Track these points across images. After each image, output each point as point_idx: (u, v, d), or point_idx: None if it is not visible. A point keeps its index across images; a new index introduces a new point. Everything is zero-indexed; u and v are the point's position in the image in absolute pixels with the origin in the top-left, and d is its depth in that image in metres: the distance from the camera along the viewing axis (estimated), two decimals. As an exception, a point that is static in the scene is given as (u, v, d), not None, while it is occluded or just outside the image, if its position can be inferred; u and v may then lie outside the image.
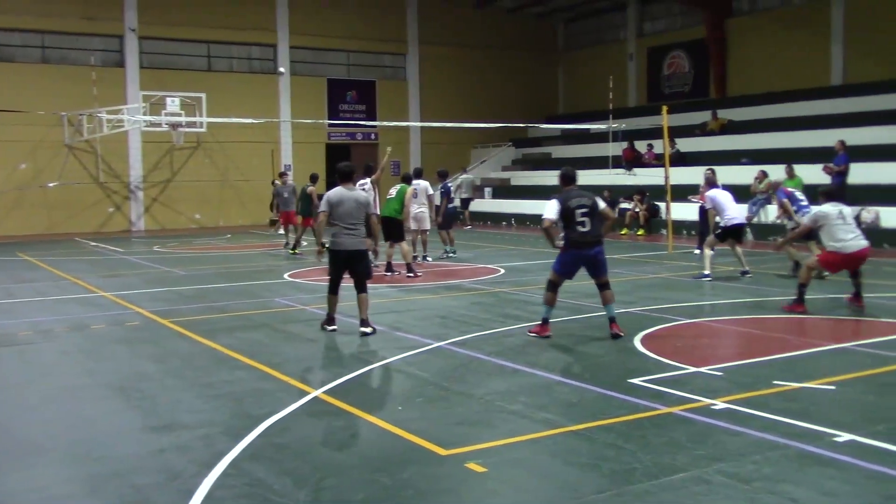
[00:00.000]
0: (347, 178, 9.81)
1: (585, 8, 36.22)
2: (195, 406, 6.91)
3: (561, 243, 9.40)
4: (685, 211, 21.61)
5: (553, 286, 9.46)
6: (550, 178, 27.90)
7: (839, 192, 11.72)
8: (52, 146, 27.98)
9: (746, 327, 10.01)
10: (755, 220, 21.75)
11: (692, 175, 23.70)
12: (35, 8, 27.86)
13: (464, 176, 30.34)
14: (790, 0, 29.70)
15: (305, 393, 7.16)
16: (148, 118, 26.30)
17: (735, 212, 14.53)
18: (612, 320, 9.38)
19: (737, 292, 12.69)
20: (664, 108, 19.78)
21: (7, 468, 5.56)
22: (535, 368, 7.91)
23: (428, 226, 17.10)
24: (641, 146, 28.34)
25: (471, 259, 17.87)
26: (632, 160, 28.03)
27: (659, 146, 24.15)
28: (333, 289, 9.84)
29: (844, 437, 5.72)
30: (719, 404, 6.55)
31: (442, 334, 9.61)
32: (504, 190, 32.62)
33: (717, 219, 14.96)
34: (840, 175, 19.67)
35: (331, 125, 32.38)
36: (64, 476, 5.38)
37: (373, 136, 34.07)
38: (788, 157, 22.00)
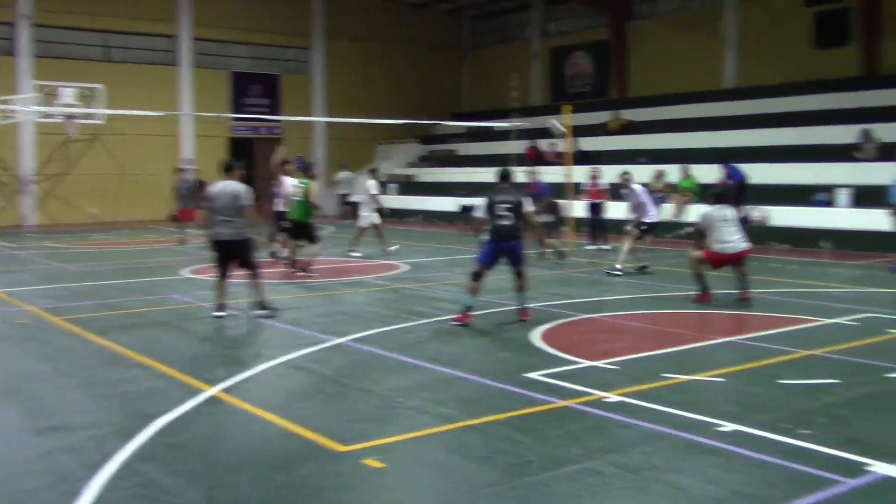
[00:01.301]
0: (228, 172, 10.46)
1: (492, 7, 36.55)
2: (86, 406, 6.71)
3: (485, 237, 10.30)
4: (583, 209, 22.04)
5: (476, 276, 10.13)
6: (456, 174, 28.09)
7: (727, 194, 12.32)
8: (-63, 136, 26.71)
9: (641, 322, 10.29)
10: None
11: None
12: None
13: (341, 174, 30.62)
14: (687, 5, 30.62)
15: (202, 391, 7.04)
16: (41, 109, 25.33)
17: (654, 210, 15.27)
18: (521, 308, 10.26)
19: (633, 288, 13.03)
20: (567, 108, 20.15)
21: None
22: (436, 364, 7.97)
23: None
24: (544, 145, 28.76)
25: (375, 255, 17.83)
26: (534, 158, 28.42)
27: (561, 145, 24.55)
28: (220, 277, 10.43)
29: (729, 426, 5.95)
30: (613, 397, 6.73)
31: (343, 331, 9.58)
32: (410, 186, 32.66)
33: (635, 215, 15.30)
34: (730, 178, 20.31)
35: (234, 119, 31.81)
36: (-57, 481, 5.16)
37: (277, 131, 33.62)
38: (684, 157, 22.75)
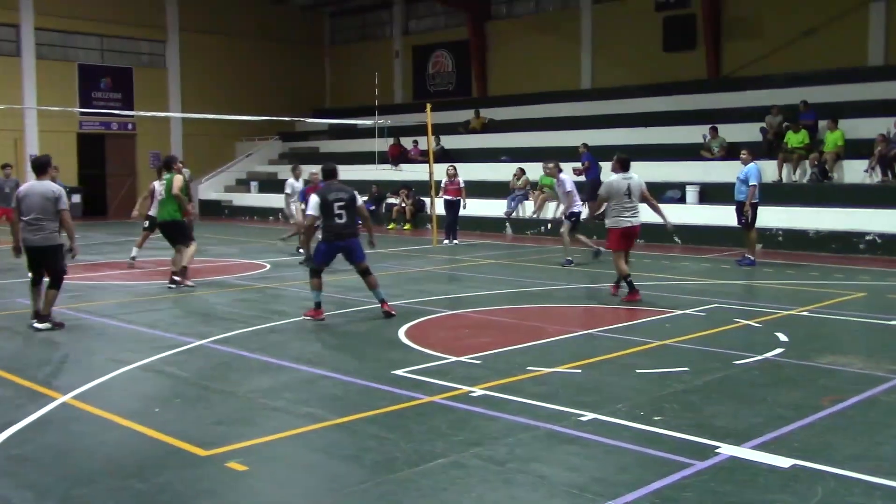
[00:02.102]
0: (41, 170, 9.48)
1: (351, 4, 36.38)
2: (-79, 419, 6.26)
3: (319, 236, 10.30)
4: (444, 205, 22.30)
5: (316, 273, 10.22)
6: (288, 173, 27.94)
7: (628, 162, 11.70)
8: None
9: (504, 317, 10.47)
10: (514, 214, 22.80)
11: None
12: None
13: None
14: (545, 7, 31.38)
15: (52, 399, 6.69)
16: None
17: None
18: (382, 301, 10.26)
19: (496, 284, 13.26)
20: (428, 106, 20.30)
21: None
22: (300, 364, 7.86)
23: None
24: (407, 143, 28.90)
25: (236, 255, 17.45)
26: (398, 156, 28.52)
27: (424, 143, 24.73)
28: (33, 282, 9.63)
29: (588, 416, 6.13)
30: (477, 391, 6.82)
31: (204, 332, 9.32)
32: (271, 184, 32.09)
33: (564, 206, 15.93)
34: (589, 172, 21.01)
35: (82, 114, 30.37)
36: None
37: (130, 126, 32.35)
38: (543, 155, 23.25)
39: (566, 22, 29.92)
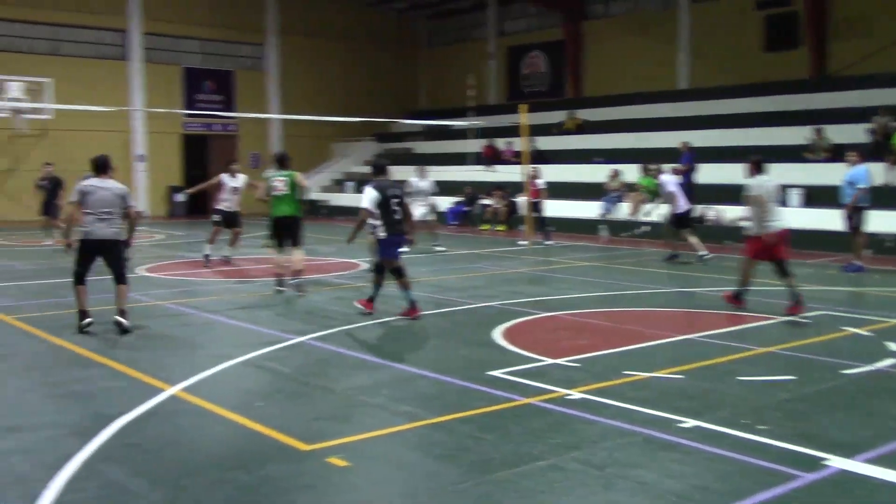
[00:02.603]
0: (102, 169, 9.61)
1: (447, 6, 36.57)
2: (42, 407, 6.59)
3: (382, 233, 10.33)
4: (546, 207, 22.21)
5: (382, 269, 10.44)
6: (413, 173, 28.10)
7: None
8: None
9: (601, 320, 10.37)
10: (609, 216, 22.55)
11: (549, 172, 24.40)
12: None
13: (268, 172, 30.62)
14: (640, 6, 30.94)
15: (161, 391, 6.94)
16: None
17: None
18: (413, 305, 10.30)
19: (592, 286, 13.14)
20: (522, 107, 20.25)
21: None
22: (397, 362, 7.95)
23: None
24: (501, 144, 28.89)
25: (333, 254, 17.75)
26: (491, 157, 28.54)
27: (518, 144, 24.68)
28: (79, 279, 9.53)
29: (689, 422, 6.02)
30: (575, 394, 6.78)
31: (303, 329, 9.52)
32: (366, 185, 32.49)
33: (669, 207, 15.97)
34: (686, 174, 20.64)
35: (186, 115, 31.40)
36: None
37: (231, 128, 33.27)
38: (638, 156, 22.95)
39: (663, 21, 29.43)
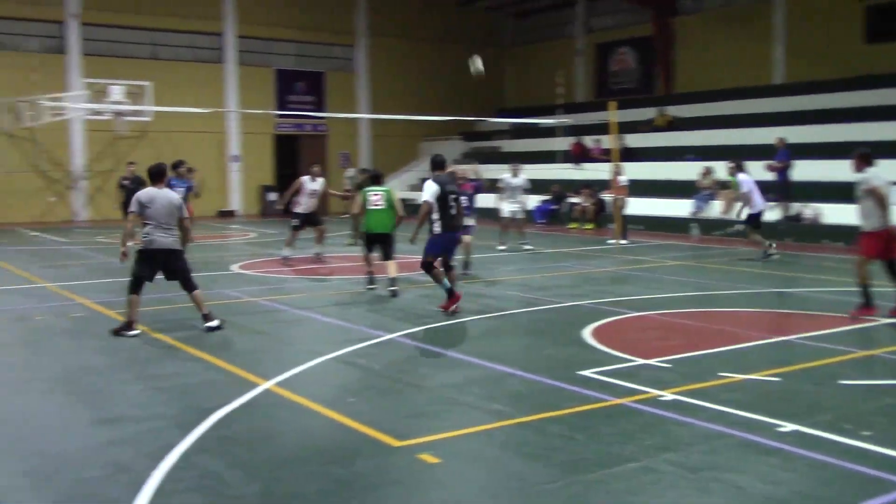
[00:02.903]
0: (158, 178, 9.63)
1: (534, 4, 36.39)
2: (143, 399, 6.81)
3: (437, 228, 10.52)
4: (633, 205, 21.91)
5: (431, 266, 10.51)
6: (500, 171, 28.02)
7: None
8: (-10, 134, 27.28)
9: (693, 320, 10.17)
10: (700, 214, 22.11)
11: (638, 170, 24.06)
12: (-28, -8, 27.14)
13: (348, 172, 30.76)
14: (734, 0, 30.21)
15: (256, 385, 7.10)
16: (91, 106, 25.76)
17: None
18: (450, 293, 10.38)
19: (683, 286, 12.89)
20: (611, 104, 20.01)
21: (-53, 462, 5.42)
22: (486, 360, 7.95)
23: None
24: (589, 141, 28.61)
25: (419, 252, 17.83)
26: (579, 155, 28.29)
27: (606, 141, 24.41)
28: (137, 288, 9.43)
29: (788, 426, 5.85)
30: (667, 395, 6.67)
31: (393, 326, 9.61)
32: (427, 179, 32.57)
33: (746, 207, 15.91)
34: (782, 171, 20.09)
35: (279, 116, 32.07)
36: (8, 470, 5.26)
37: (321, 128, 33.83)
38: (732, 153, 22.39)
39: (757, 14, 28.66)
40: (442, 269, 10.57)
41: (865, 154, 10.27)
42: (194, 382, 7.29)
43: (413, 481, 5.13)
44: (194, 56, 31.46)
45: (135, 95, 26.88)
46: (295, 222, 15.91)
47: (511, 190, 18.12)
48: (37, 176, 28.36)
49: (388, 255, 12.39)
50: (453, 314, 10.24)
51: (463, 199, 11.29)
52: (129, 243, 9.81)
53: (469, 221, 13.60)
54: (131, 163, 20.69)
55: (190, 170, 15.98)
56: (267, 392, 6.94)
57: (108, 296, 12.07)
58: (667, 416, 6.17)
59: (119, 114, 26.51)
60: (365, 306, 11.28)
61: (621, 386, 6.96)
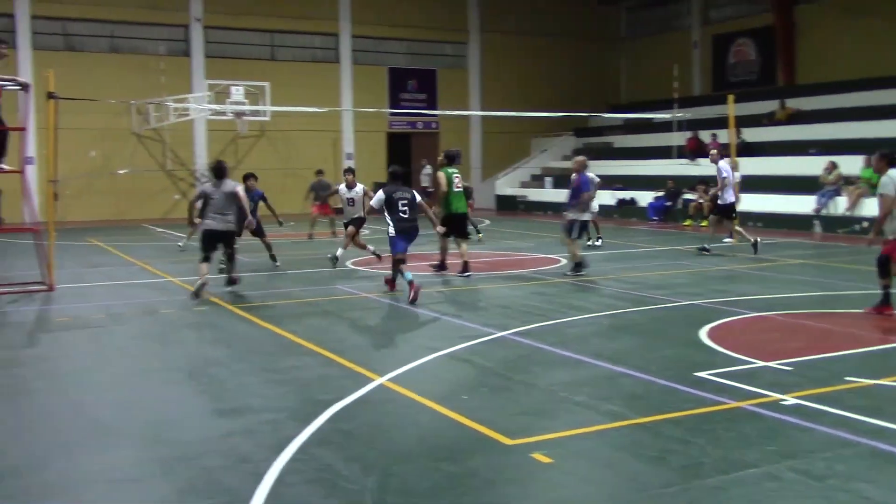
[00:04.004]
0: (219, 174, 11.94)
1: (648, -4, 35.76)
2: (262, 391, 7.02)
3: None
4: (752, 202, 21.26)
5: (401, 262, 11.61)
6: (612, 167, 27.68)
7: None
8: (120, 134, 28.64)
9: (816, 321, 9.78)
10: (823, 211, 21.27)
11: (758, 165, 23.32)
12: (104, -1, 28.53)
13: (426, 168, 31.21)
14: (862, -14, 28.90)
15: (370, 380, 7.22)
16: (213, 107, 26.71)
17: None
18: (410, 283, 11.14)
19: (805, 286, 12.43)
20: (730, 97, 19.44)
21: (80, 449, 5.71)
22: (599, 359, 7.86)
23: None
24: (706, 136, 27.88)
25: (532, 249, 17.80)
26: (696, 150, 27.61)
27: (724, 136, 23.75)
28: (205, 259, 11.83)
29: (922, 435, 5.57)
30: (789, 399, 6.43)
31: (504, 324, 9.60)
32: (565, 179, 32.32)
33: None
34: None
35: (392, 114, 32.51)
36: (134, 458, 5.50)
37: (434, 126, 34.12)
38: (860, 147, 21.47)
39: (886, 1, 27.30)
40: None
41: (887, 155, 9.83)
42: (311, 376, 7.46)
43: (526, 480, 5.10)
44: (310, 56, 32.24)
45: (254, 95, 27.72)
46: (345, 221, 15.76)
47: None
48: (163, 175, 29.61)
49: (465, 234, 13.80)
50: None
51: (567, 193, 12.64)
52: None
53: (574, 215, 13.60)
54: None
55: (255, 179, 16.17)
56: (381, 387, 7.04)
57: (227, 291, 12.48)
58: (789, 421, 5.95)
59: (239, 114, 27.39)
60: (476, 303, 11.32)
61: (740, 389, 6.75)
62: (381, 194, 11.77)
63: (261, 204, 15.26)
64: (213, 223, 11.69)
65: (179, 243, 18.41)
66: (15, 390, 7.21)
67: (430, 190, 28.72)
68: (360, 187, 15.88)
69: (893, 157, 9.83)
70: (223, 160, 12.87)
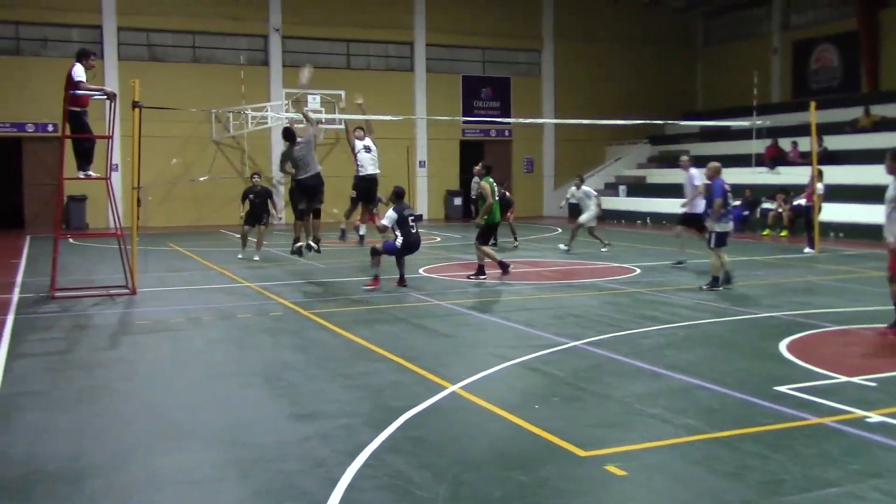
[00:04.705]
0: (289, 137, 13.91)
1: (726, 1, 35.09)
2: (336, 396, 7.09)
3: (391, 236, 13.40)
4: (835, 211, 20.68)
5: (379, 253, 13.19)
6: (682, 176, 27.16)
7: None
8: (200, 142, 29.34)
9: (902, 336, 9.45)
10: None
11: (840, 174, 22.68)
12: (185, 9, 29.28)
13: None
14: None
15: (442, 387, 7.23)
16: (290, 115, 27.12)
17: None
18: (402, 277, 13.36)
19: (887, 299, 12.00)
20: (812, 104, 18.96)
21: (158, 450, 5.85)
22: (674, 371, 7.73)
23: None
24: (785, 144, 27.23)
25: (605, 258, 17.62)
26: (775, 158, 26.99)
27: (804, 144, 23.16)
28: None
29: None
30: (874, 417, 6.23)
31: (577, 333, 9.52)
32: (639, 188, 32.03)
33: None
34: None
35: (465, 122, 32.57)
36: (212, 460, 5.61)
37: (507, 133, 34.09)
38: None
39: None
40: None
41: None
42: (384, 382, 7.51)
43: (599, 492, 5.05)
44: (385, 65, 32.55)
45: (330, 104, 28.08)
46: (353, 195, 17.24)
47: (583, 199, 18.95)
48: (241, 181, 30.18)
49: (491, 241, 15.07)
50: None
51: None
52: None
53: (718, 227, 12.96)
54: (256, 174, 20.79)
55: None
56: (453, 395, 7.05)
57: (304, 296, 12.68)
58: (873, 440, 5.77)
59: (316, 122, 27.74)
60: (547, 311, 11.25)
61: (822, 404, 6.56)
62: (392, 214, 13.13)
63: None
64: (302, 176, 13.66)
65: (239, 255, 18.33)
66: (96, 392, 7.43)
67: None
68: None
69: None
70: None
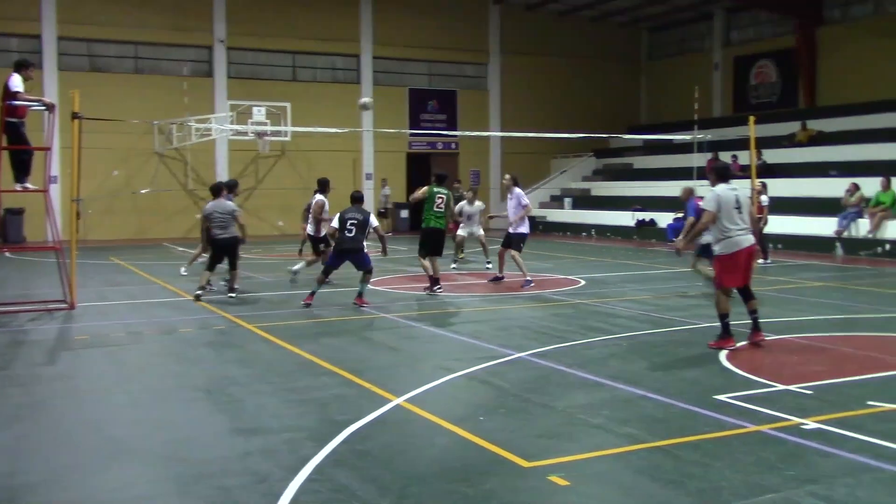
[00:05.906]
0: (216, 193, 14.05)
1: (670, 17, 35.77)
2: (280, 410, 7.02)
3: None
4: (773, 223, 21.11)
5: (329, 271, 13.01)
6: (632, 188, 27.68)
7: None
8: (143, 154, 28.92)
9: (836, 345, 9.69)
10: (845, 233, 21.11)
11: (779, 187, 23.19)
12: (127, 20, 28.86)
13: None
14: (885, 9, 28.79)
15: (388, 400, 7.21)
16: (235, 127, 26.91)
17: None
18: (359, 294, 12.69)
19: (825, 308, 12.32)
20: (751, 119, 19.37)
21: (96, 467, 5.73)
22: (618, 382, 7.81)
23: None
24: (726, 157, 27.76)
25: (550, 270, 17.76)
26: (716, 171, 27.46)
27: (744, 157, 23.65)
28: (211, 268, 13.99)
29: (945, 462, 5.49)
30: (810, 424, 6.36)
31: (522, 345, 9.57)
32: (584, 200, 32.39)
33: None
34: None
35: (412, 135, 32.63)
36: (151, 476, 5.52)
37: (453, 146, 34.22)
38: (880, 169, 21.37)
39: (910, 23, 27.20)
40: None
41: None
42: (329, 396, 7.46)
43: (543, 503, 5.07)
44: (331, 77, 32.46)
45: (275, 116, 27.91)
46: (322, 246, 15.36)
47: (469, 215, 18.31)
48: (184, 194, 29.82)
49: (438, 252, 14.36)
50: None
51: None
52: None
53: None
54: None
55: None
56: (398, 408, 7.03)
57: (248, 310, 12.54)
58: (810, 446, 5.89)
59: (260, 134, 27.57)
60: (493, 323, 11.30)
61: (760, 412, 6.69)
62: (337, 216, 12.77)
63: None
64: (216, 235, 13.82)
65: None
66: (34, 408, 7.26)
67: (381, 211, 30.24)
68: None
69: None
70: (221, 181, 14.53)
